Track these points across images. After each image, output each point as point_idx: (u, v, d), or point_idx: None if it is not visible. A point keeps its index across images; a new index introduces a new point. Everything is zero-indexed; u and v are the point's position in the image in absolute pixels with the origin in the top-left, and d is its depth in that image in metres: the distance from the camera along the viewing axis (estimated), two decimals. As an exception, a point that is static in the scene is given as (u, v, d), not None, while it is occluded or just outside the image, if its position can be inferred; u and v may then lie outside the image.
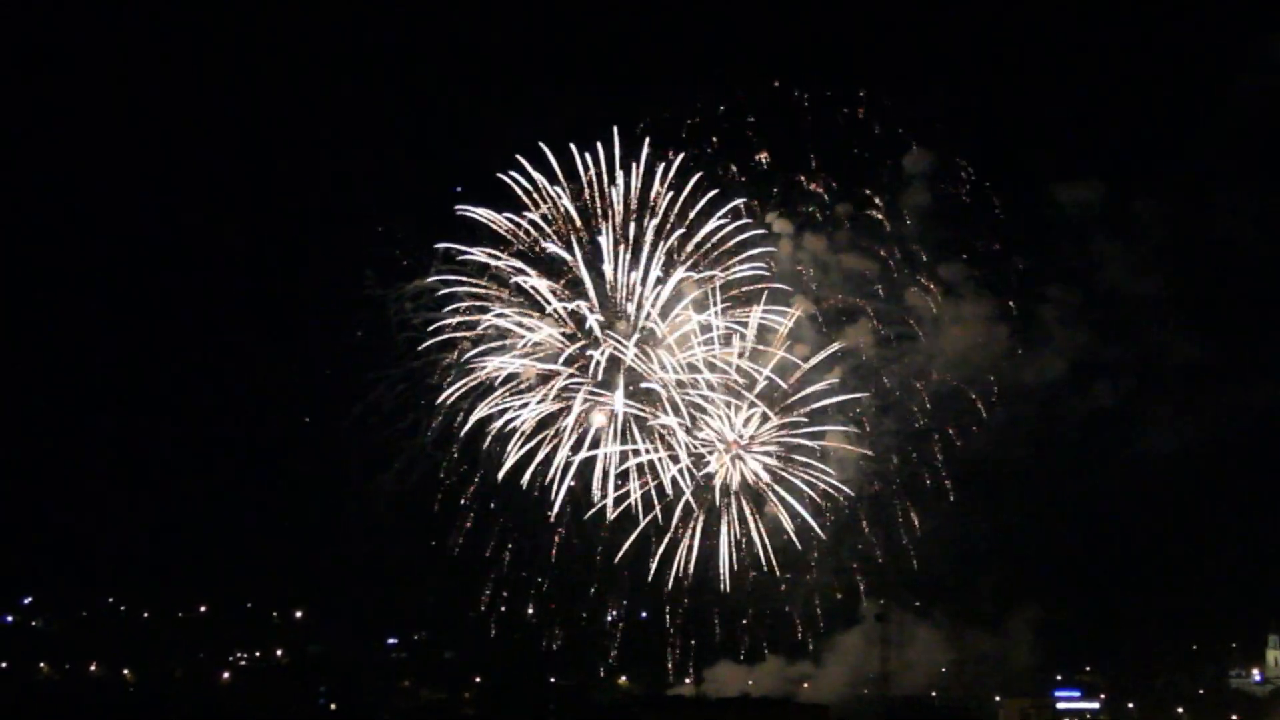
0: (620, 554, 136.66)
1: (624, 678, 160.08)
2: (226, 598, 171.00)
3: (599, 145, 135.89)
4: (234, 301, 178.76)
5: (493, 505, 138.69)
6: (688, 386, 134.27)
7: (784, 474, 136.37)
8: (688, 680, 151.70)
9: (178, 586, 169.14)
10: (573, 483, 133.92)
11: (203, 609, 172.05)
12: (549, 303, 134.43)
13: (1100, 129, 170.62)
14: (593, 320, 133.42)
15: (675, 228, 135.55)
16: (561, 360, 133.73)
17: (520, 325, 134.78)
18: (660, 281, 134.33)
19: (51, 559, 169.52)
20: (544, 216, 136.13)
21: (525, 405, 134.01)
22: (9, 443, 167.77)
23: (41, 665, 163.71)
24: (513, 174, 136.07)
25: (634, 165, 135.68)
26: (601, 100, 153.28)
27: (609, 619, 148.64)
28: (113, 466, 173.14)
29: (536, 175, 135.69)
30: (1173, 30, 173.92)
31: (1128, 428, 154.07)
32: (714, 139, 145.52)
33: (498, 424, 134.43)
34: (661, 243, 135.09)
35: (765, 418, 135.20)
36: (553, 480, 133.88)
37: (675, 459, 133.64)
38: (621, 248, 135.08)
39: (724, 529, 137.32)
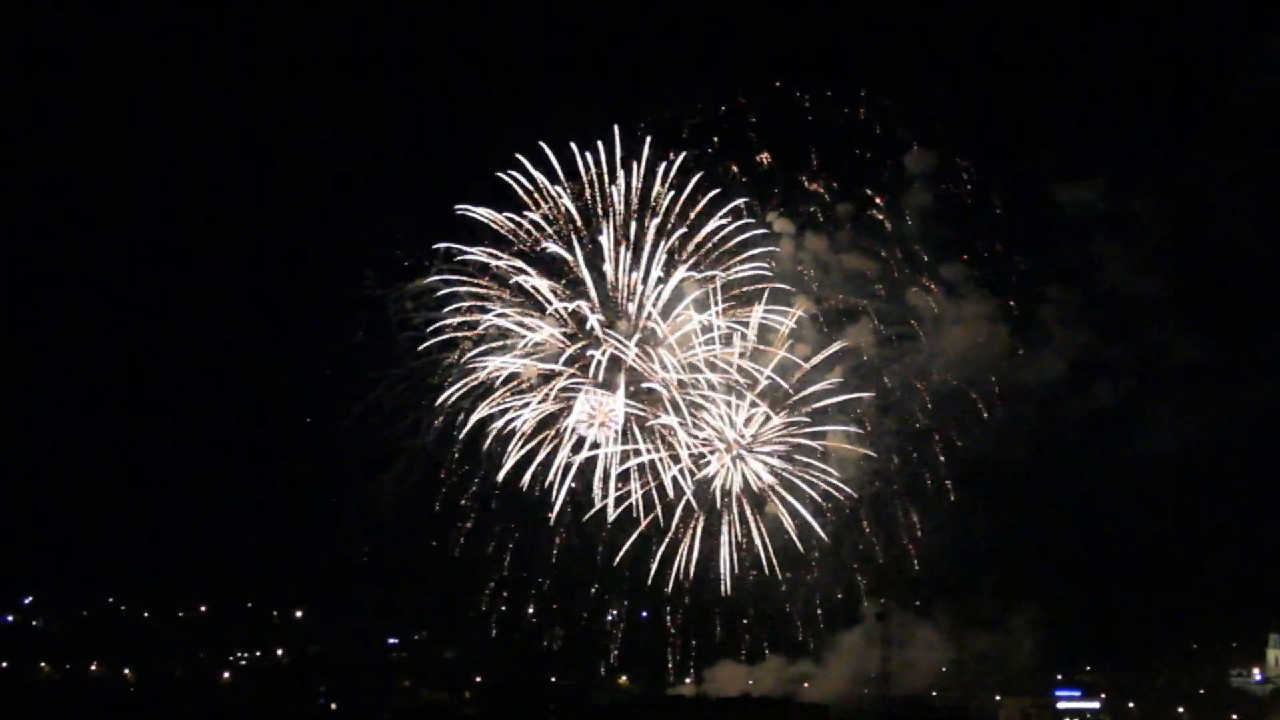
0: (621, 554, 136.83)
1: (624, 678, 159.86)
2: (226, 598, 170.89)
3: (600, 144, 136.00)
4: (234, 301, 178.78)
5: (493, 505, 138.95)
6: (689, 386, 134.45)
7: (785, 474, 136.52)
8: (688, 680, 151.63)
9: (178, 586, 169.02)
10: (573, 483, 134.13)
11: (203, 609, 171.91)
12: (550, 302, 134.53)
13: (1100, 129, 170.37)
14: (593, 320, 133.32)
15: (676, 227, 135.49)
16: (562, 360, 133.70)
17: (521, 325, 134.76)
18: (661, 281, 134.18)
19: (51, 559, 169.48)
20: (545, 216, 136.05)
21: (526, 405, 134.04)
22: (9, 443, 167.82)
23: (42, 665, 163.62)
24: (513, 173, 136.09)
25: (635, 165, 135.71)
26: (602, 100, 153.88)
27: (609, 619, 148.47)
28: (113, 466, 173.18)
29: (537, 175, 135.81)
30: (1173, 30, 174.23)
31: (1128, 428, 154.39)
32: (715, 139, 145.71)
33: (498, 424, 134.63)
34: (662, 242, 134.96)
35: (766, 418, 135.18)
36: (553, 480, 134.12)
37: (676, 459, 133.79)
38: (622, 247, 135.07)
39: (725, 529, 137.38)
